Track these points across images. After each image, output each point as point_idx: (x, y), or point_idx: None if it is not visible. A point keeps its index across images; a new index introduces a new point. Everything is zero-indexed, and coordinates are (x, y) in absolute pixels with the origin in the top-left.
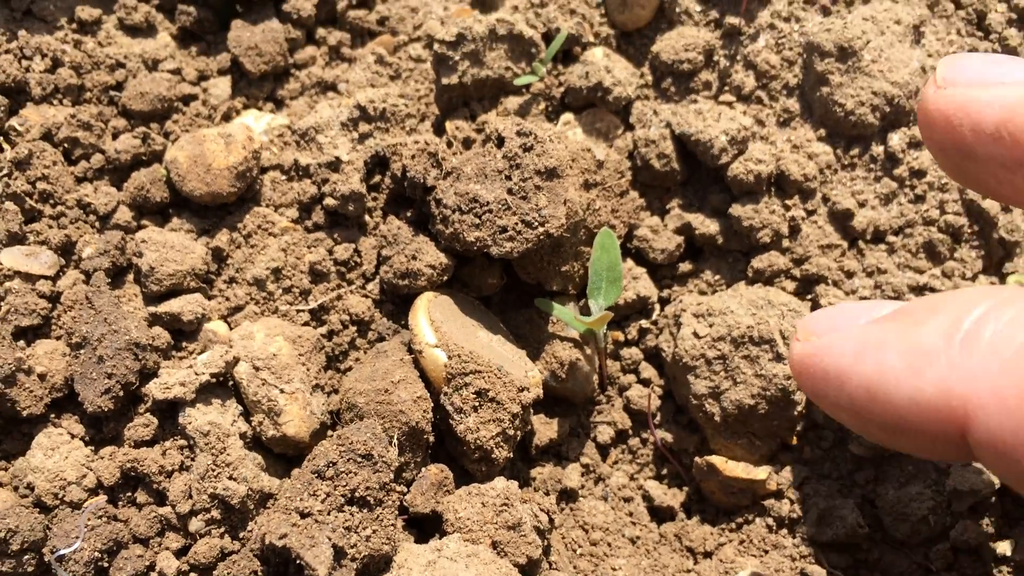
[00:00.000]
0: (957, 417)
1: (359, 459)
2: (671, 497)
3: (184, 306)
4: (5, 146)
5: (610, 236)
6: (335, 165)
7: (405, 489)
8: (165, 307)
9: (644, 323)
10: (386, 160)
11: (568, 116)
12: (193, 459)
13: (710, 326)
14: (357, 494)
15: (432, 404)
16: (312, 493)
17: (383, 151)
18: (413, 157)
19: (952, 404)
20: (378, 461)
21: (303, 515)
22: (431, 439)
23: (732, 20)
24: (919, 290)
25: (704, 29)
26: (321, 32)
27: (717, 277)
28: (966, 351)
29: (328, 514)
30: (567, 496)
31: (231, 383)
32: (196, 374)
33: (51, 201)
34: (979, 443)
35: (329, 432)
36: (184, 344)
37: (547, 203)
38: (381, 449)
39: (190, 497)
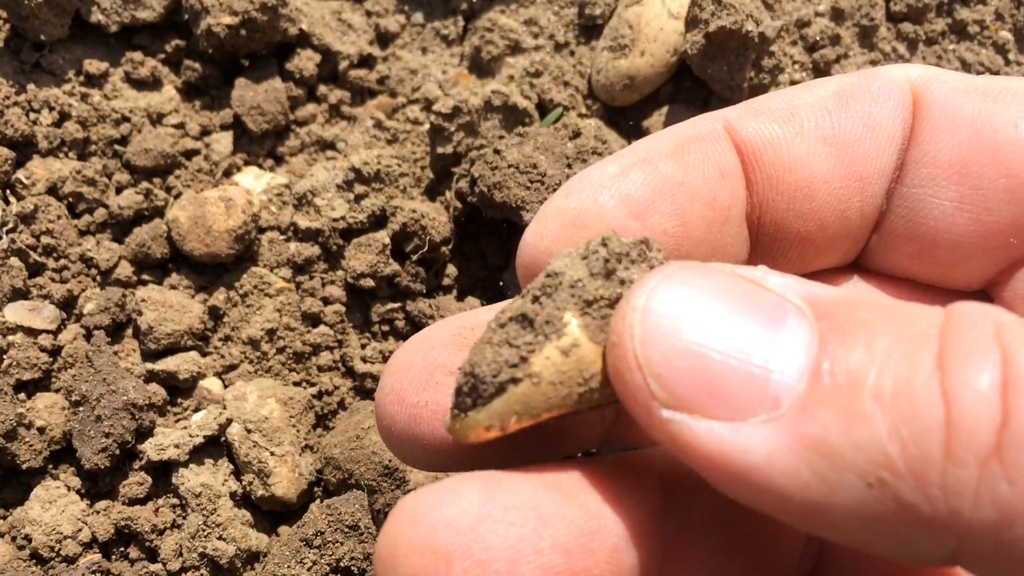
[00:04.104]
0: None
1: (346, 529)
2: None
3: (180, 364)
4: (11, 199)
5: None
6: (346, 234)
7: None
8: (162, 365)
9: None
10: (384, 218)
11: None
12: (185, 518)
13: None
14: (342, 564)
15: None
16: (299, 560)
17: (379, 210)
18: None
19: None
20: (364, 532)
21: None
22: (407, 476)
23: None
24: None
25: (692, 108)
26: (322, 89)
27: None
28: None
29: None
30: None
31: (223, 439)
32: (190, 436)
33: (54, 255)
34: None
35: (316, 489)
36: (179, 400)
37: None
38: (368, 520)
39: (180, 555)
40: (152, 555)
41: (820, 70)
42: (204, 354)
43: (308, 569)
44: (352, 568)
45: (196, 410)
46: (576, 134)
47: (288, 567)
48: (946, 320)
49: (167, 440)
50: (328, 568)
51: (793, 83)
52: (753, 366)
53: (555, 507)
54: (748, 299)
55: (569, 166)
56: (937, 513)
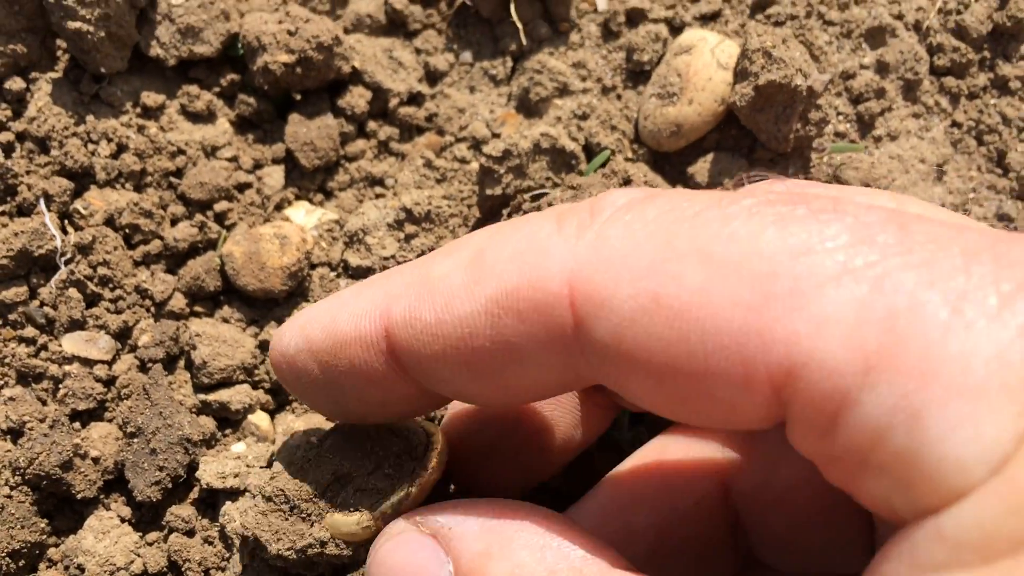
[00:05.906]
0: None
1: None
2: None
3: (233, 396)
4: (70, 229)
5: None
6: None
7: None
8: (215, 396)
9: None
10: None
11: None
12: (229, 559)
13: None
14: None
15: None
16: None
17: (429, 250)
18: None
19: None
20: None
21: None
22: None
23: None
24: None
25: (737, 156)
26: (372, 125)
27: None
28: None
29: None
30: None
31: None
32: (247, 467)
33: (110, 285)
34: None
35: None
36: (227, 431)
37: None
38: None
39: None
40: None
41: (864, 122)
42: (255, 388)
43: None
44: None
45: (242, 442)
46: (626, 181)
47: None
48: None
49: (226, 468)
50: None
51: (838, 135)
52: None
53: None
54: None
55: None
56: None
